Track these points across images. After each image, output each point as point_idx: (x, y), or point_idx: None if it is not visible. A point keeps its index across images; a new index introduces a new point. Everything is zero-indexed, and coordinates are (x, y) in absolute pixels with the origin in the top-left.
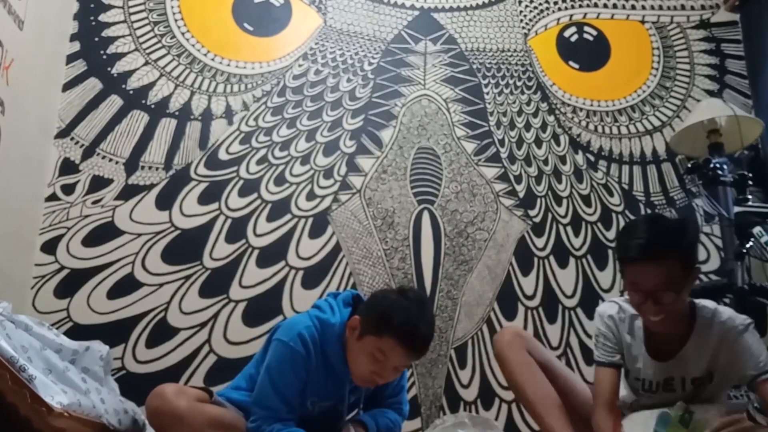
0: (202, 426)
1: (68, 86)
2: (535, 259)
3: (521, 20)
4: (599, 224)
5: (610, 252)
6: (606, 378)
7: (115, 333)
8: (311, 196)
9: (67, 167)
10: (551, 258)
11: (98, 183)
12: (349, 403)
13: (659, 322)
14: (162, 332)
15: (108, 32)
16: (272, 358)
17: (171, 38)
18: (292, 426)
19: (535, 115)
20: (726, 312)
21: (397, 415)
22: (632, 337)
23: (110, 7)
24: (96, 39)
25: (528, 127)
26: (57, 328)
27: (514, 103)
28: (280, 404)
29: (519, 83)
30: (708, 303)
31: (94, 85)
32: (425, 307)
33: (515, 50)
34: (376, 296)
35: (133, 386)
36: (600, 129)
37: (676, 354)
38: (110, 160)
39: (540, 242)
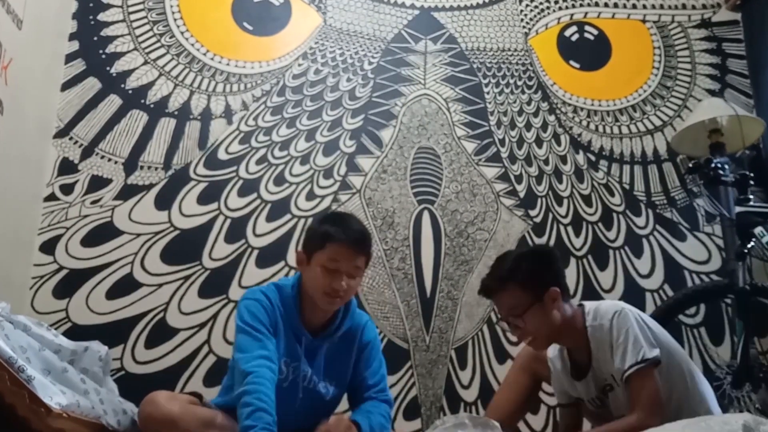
0: (197, 427)
1: (67, 86)
2: None
3: (522, 19)
4: (600, 224)
5: (611, 252)
6: (563, 418)
7: (114, 333)
8: (311, 196)
9: (66, 167)
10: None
11: (97, 183)
12: (332, 394)
13: (531, 343)
14: (161, 333)
15: (107, 31)
16: (238, 316)
17: (170, 37)
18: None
19: (535, 114)
20: (593, 311)
21: (387, 407)
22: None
23: (109, 6)
24: (95, 38)
25: (528, 126)
26: (56, 329)
27: (514, 102)
28: (263, 349)
29: (519, 83)
30: (588, 306)
31: (93, 84)
32: (349, 215)
33: (516, 49)
34: (307, 227)
35: (132, 387)
36: (601, 129)
37: (590, 367)
38: (109, 159)
39: (541, 242)
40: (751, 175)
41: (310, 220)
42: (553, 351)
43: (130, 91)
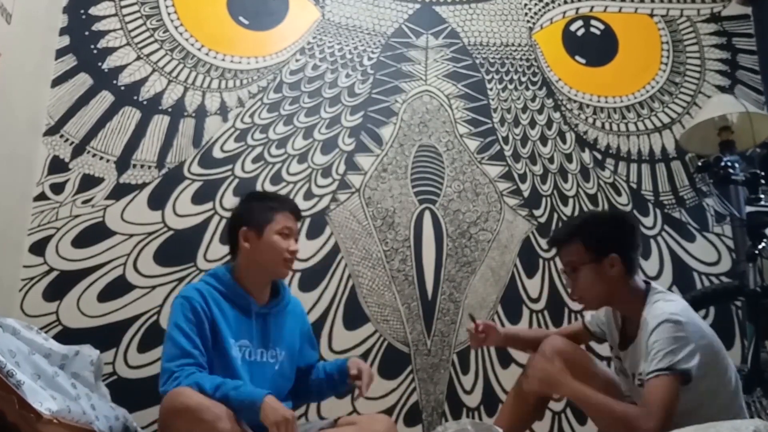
0: (226, 416)
1: (57, 82)
2: (541, 261)
3: (526, 14)
4: None
5: None
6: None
7: (106, 337)
8: (309, 195)
9: (57, 165)
10: (557, 260)
11: (88, 182)
12: (283, 362)
13: (580, 300)
14: (154, 336)
15: (99, 26)
16: (170, 316)
17: (164, 32)
18: (206, 373)
19: (540, 111)
20: (660, 304)
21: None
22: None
23: (101, 0)
24: (86, 33)
25: (533, 124)
26: (46, 332)
27: (518, 99)
28: (191, 348)
29: (524, 79)
30: (659, 289)
31: (84, 80)
32: (270, 192)
33: (520, 45)
34: (239, 211)
35: (125, 392)
36: (607, 126)
37: (632, 342)
38: (101, 158)
39: (545, 243)
40: (762, 173)
41: (308, 220)
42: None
43: (123, 88)
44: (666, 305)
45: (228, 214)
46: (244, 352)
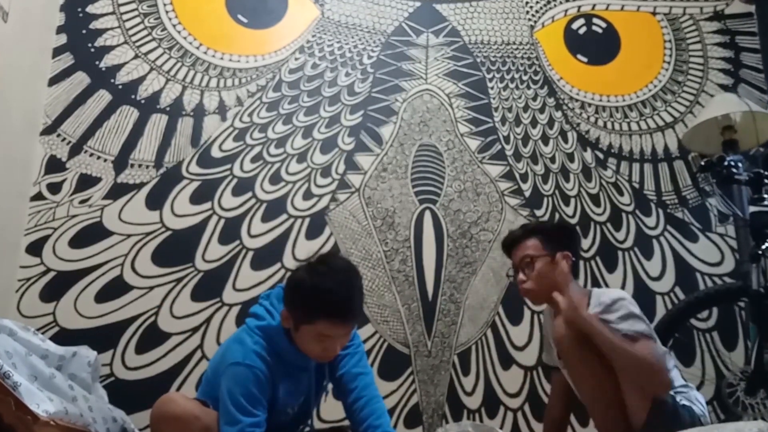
0: (211, 425)
1: (54, 81)
2: None
3: (527, 12)
4: (608, 225)
5: (620, 254)
6: (553, 382)
7: (103, 338)
8: (308, 195)
9: (54, 165)
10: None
11: (86, 181)
12: (317, 389)
13: (529, 293)
14: (152, 337)
15: (96, 24)
16: (232, 383)
17: (162, 30)
18: None
19: (541, 110)
20: (598, 294)
21: (374, 390)
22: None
23: None
24: (83, 31)
25: (534, 123)
26: (43, 333)
27: (519, 98)
28: (247, 427)
29: (525, 77)
30: (595, 291)
31: (81, 79)
32: (341, 273)
33: (521, 43)
34: (292, 281)
35: (123, 393)
36: (609, 125)
37: None
38: (98, 157)
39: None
40: (766, 173)
41: (307, 220)
42: (548, 311)
43: (120, 86)
44: (611, 290)
45: (227, 215)
46: (293, 409)
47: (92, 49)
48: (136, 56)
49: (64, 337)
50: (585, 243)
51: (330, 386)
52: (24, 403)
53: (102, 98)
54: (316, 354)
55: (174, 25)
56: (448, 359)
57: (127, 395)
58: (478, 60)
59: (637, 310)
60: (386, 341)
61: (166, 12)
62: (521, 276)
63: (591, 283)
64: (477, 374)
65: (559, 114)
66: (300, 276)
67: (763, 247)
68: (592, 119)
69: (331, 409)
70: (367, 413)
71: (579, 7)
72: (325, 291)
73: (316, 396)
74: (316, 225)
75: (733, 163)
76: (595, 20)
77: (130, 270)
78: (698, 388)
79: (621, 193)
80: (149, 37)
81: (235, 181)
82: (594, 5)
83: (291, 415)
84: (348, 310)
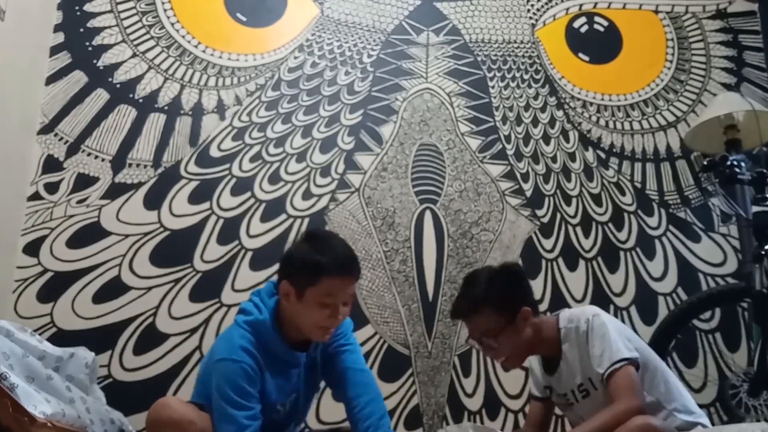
0: (207, 430)
1: (52, 79)
2: (543, 262)
3: (528, 10)
4: (610, 225)
5: (621, 254)
6: (531, 409)
7: (101, 339)
8: (307, 195)
9: (51, 165)
10: (560, 260)
11: (83, 181)
12: (308, 388)
13: (506, 362)
14: (150, 338)
15: (94, 23)
16: (221, 379)
17: (160, 29)
18: None
19: (543, 109)
20: (569, 315)
21: (376, 390)
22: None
23: None
24: (81, 30)
25: (535, 122)
26: (40, 334)
27: (520, 97)
28: (244, 419)
29: (526, 76)
30: (564, 312)
31: (79, 78)
32: (332, 236)
33: (522, 42)
34: (289, 255)
35: (120, 395)
36: (611, 124)
37: (558, 362)
38: (96, 157)
39: (548, 244)
40: None
41: (307, 220)
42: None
43: (118, 85)
44: (578, 308)
45: (226, 215)
46: (284, 406)
47: (90, 48)
48: (134, 55)
49: (62, 338)
50: (587, 243)
51: (323, 384)
52: (21, 404)
53: (100, 97)
54: (320, 324)
55: (172, 24)
56: (449, 360)
57: (124, 397)
58: (479, 59)
59: (609, 324)
60: (386, 342)
61: (165, 10)
62: (491, 345)
63: (593, 283)
64: (478, 375)
65: (560, 113)
66: (294, 246)
67: (766, 247)
68: (594, 118)
69: (331, 409)
70: (368, 413)
71: (581, 5)
72: (327, 247)
73: (307, 394)
74: (316, 225)
75: (735, 163)
76: (596, 18)
77: (128, 270)
78: (701, 389)
79: (623, 193)
80: (147, 36)
81: (233, 180)
82: (596, 3)
83: (282, 413)
84: (351, 261)
